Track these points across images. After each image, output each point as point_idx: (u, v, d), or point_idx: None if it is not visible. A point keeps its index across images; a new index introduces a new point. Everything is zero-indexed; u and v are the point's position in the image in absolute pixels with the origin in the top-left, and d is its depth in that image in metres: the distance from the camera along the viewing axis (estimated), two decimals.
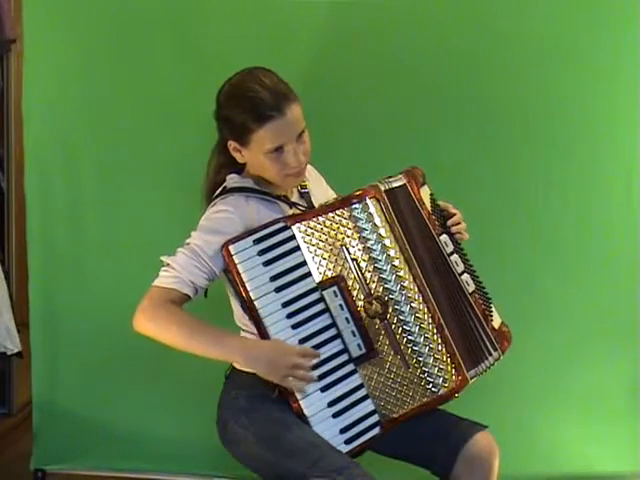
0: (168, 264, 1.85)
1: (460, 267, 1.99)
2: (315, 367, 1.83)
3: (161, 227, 2.64)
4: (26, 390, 2.97)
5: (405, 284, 1.89)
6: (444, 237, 1.99)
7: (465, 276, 1.99)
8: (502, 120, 2.61)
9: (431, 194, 2.04)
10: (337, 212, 1.88)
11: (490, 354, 1.98)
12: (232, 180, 1.94)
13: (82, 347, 2.79)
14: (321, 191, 2.09)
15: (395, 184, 1.95)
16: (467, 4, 2.57)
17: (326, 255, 1.86)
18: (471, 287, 1.99)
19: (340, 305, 1.86)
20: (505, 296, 2.54)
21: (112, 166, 2.73)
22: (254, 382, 1.89)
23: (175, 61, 2.66)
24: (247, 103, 1.85)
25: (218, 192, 1.94)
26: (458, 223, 2.05)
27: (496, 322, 2.03)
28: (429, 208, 2.00)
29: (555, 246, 2.63)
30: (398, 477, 2.18)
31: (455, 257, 1.99)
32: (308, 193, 2.01)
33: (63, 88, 2.71)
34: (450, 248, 1.99)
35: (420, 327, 1.88)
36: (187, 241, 1.87)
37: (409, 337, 1.87)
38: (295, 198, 1.99)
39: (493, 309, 2.05)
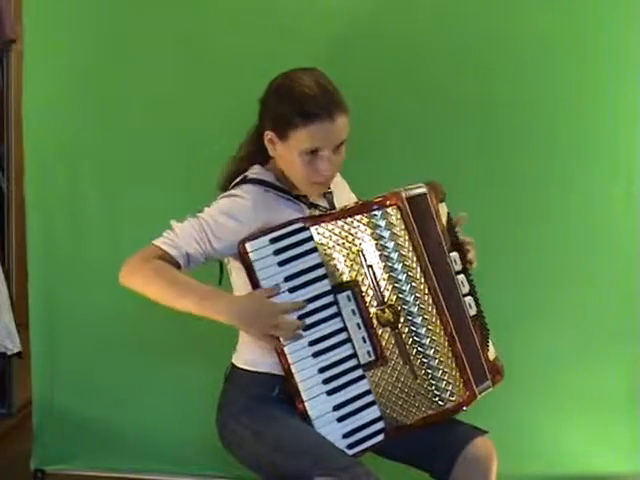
0: (173, 229, 1.85)
1: (465, 288, 1.96)
2: (324, 370, 1.82)
3: (161, 227, 2.62)
4: (26, 390, 2.97)
5: (419, 295, 1.85)
6: (454, 255, 1.96)
7: (468, 298, 1.96)
8: (504, 119, 2.60)
9: (448, 213, 2.01)
10: (356, 217, 1.84)
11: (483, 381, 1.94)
12: (254, 171, 1.92)
13: (82, 347, 2.79)
14: (345, 198, 2.06)
15: (416, 192, 1.92)
16: (472, 3, 2.57)
17: (342, 259, 1.84)
18: (473, 311, 1.96)
19: (353, 310, 1.85)
20: (506, 298, 2.56)
21: (112, 166, 2.73)
22: (254, 382, 1.90)
23: (176, 60, 2.66)
24: (299, 98, 1.82)
25: (239, 180, 1.92)
26: (469, 249, 2.02)
27: (491, 354, 2.00)
28: (444, 224, 1.97)
29: (555, 248, 2.63)
30: (397, 478, 2.17)
31: (462, 277, 1.96)
32: (331, 193, 1.98)
33: (63, 88, 2.71)
34: (458, 267, 1.96)
35: (431, 339, 1.85)
36: (198, 213, 1.86)
37: (419, 348, 1.85)
38: (316, 198, 1.96)
39: (490, 340, 2.01)
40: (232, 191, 1.89)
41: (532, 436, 2.67)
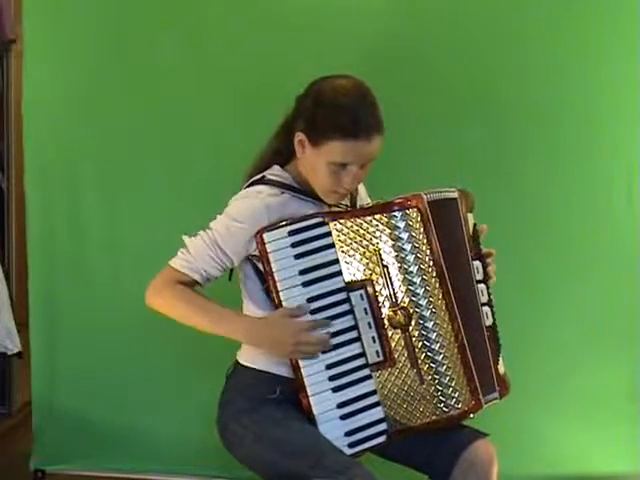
0: (187, 248, 1.86)
1: (484, 298, 1.95)
2: (331, 366, 1.82)
3: (161, 227, 2.63)
4: (26, 390, 2.97)
5: (433, 299, 1.84)
6: (477, 263, 1.95)
7: (486, 309, 1.95)
8: (506, 120, 2.61)
9: (474, 224, 2.00)
10: (376, 216, 1.83)
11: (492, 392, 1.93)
12: (271, 172, 1.91)
13: (82, 347, 2.79)
14: (364, 203, 2.04)
15: (446, 195, 1.90)
16: (480, 5, 2.58)
17: (358, 257, 1.83)
18: (488, 321, 1.95)
19: (365, 309, 1.84)
20: (506, 299, 2.55)
21: (112, 166, 2.73)
22: (255, 382, 1.90)
23: (177, 61, 2.66)
24: (340, 111, 1.79)
25: (256, 179, 1.91)
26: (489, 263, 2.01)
27: (501, 368, 1.98)
28: (470, 232, 1.96)
29: (556, 249, 2.63)
30: (396, 478, 2.18)
31: (482, 287, 1.95)
32: (357, 190, 1.98)
33: (63, 88, 2.71)
34: (479, 276, 1.95)
35: (441, 344, 1.84)
36: (210, 225, 1.87)
37: (428, 353, 1.84)
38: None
39: (501, 354, 1.99)
40: (246, 191, 1.88)
41: (533, 437, 2.67)
